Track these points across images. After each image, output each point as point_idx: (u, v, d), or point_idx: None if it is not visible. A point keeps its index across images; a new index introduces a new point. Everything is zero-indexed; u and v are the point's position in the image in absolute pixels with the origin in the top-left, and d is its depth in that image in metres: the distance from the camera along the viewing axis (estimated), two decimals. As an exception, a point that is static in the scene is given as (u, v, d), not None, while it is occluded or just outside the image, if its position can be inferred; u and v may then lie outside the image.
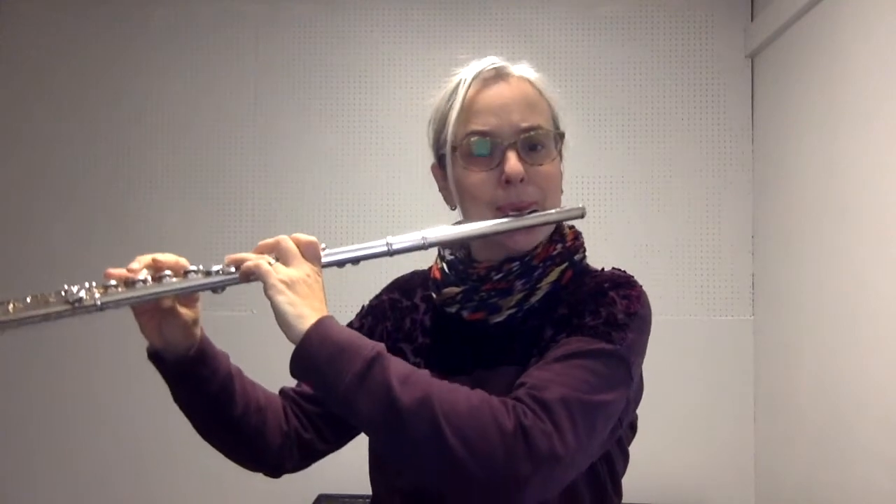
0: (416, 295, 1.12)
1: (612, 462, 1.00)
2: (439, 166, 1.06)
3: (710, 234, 2.50)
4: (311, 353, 0.82)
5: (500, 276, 0.98)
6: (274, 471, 1.07)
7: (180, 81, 2.64)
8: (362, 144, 2.60)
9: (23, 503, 2.60)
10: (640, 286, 0.97)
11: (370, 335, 1.09)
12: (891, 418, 1.66)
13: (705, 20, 2.54)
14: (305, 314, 0.83)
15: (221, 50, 2.64)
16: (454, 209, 1.06)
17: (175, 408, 0.99)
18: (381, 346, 0.84)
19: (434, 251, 1.07)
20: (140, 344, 0.94)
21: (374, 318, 1.13)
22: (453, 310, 1.02)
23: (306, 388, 1.08)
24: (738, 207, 2.50)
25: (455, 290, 1.01)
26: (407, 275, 1.18)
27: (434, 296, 1.05)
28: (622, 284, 0.96)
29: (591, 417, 0.86)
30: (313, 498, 2.33)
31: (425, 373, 0.84)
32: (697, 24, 2.55)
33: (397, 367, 0.82)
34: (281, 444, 1.03)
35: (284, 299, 0.84)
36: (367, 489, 1.11)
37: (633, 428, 1.03)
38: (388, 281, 1.19)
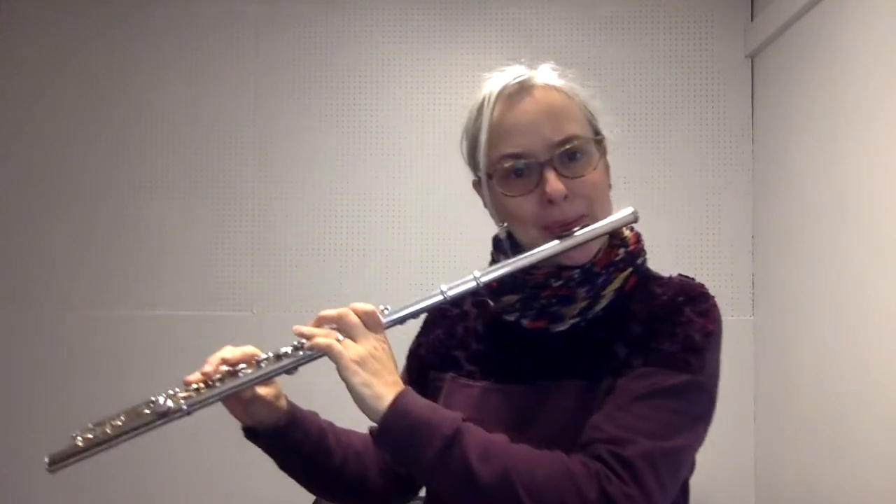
0: (465, 302, 1.09)
1: None
2: (479, 184, 1.01)
3: (710, 234, 2.50)
4: (393, 433, 0.83)
5: (559, 282, 0.94)
6: None
7: (180, 81, 2.64)
8: (362, 144, 2.60)
9: (23, 503, 2.60)
10: (713, 297, 0.94)
11: (426, 351, 1.11)
12: (891, 418, 1.66)
13: (705, 20, 2.54)
14: (382, 393, 0.84)
15: (221, 50, 2.64)
16: (501, 226, 1.02)
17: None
18: (459, 420, 0.83)
19: (486, 254, 1.05)
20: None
21: (426, 334, 1.13)
22: (512, 318, 0.98)
23: None
24: (738, 207, 2.50)
25: (514, 297, 0.97)
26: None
27: (491, 303, 1.02)
28: (696, 298, 0.92)
29: (677, 464, 0.86)
30: (313, 498, 2.33)
31: (503, 441, 0.83)
32: (697, 24, 2.55)
33: (476, 440, 0.82)
34: (384, 483, 1.07)
35: (360, 380, 0.84)
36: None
37: (691, 465, 0.98)
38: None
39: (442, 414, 0.84)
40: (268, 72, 2.63)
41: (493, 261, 1.03)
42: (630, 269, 0.97)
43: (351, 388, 0.84)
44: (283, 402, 0.99)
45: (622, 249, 0.97)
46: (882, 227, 1.71)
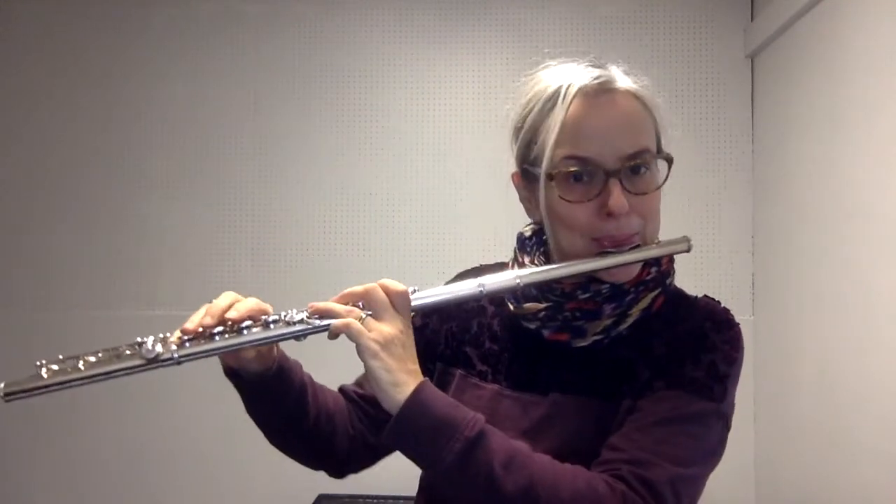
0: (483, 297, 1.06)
1: None
2: (523, 178, 0.96)
3: (710, 234, 2.50)
4: (410, 426, 0.79)
5: (587, 295, 0.90)
6: (339, 473, 1.07)
7: (180, 81, 2.64)
8: (362, 144, 2.60)
9: (23, 503, 2.60)
10: (738, 324, 0.92)
11: (434, 336, 1.06)
12: (891, 418, 1.66)
13: (705, 20, 2.55)
14: (402, 381, 0.79)
15: (221, 50, 2.64)
16: (536, 223, 0.99)
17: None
18: (482, 421, 0.79)
19: (508, 247, 1.02)
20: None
21: (439, 317, 1.07)
22: (532, 326, 0.94)
23: (370, 391, 1.03)
24: (738, 207, 2.50)
25: (538, 305, 0.93)
26: (471, 271, 1.09)
27: (511, 307, 0.97)
28: (723, 325, 0.90)
29: (694, 492, 0.84)
30: (313, 498, 2.33)
31: (526, 449, 0.80)
32: (697, 24, 2.55)
33: (499, 446, 0.78)
34: (348, 447, 1.03)
35: (380, 365, 0.79)
36: (366, 489, 1.11)
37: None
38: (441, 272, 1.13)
39: (464, 412, 0.80)
40: (268, 72, 2.63)
41: (516, 259, 0.99)
42: (659, 290, 0.94)
43: (369, 371, 0.80)
44: (275, 351, 0.94)
45: (654, 269, 0.93)
46: (882, 227, 1.71)
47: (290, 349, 0.96)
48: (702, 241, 2.49)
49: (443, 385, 0.99)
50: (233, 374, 0.94)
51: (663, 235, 0.96)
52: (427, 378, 0.82)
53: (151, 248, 2.62)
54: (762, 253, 2.44)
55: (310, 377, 1.01)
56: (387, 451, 1.06)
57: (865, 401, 1.76)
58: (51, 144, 2.66)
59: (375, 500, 2.29)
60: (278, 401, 0.94)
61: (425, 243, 2.56)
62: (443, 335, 1.05)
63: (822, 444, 1.97)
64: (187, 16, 2.65)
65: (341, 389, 1.07)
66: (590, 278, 0.91)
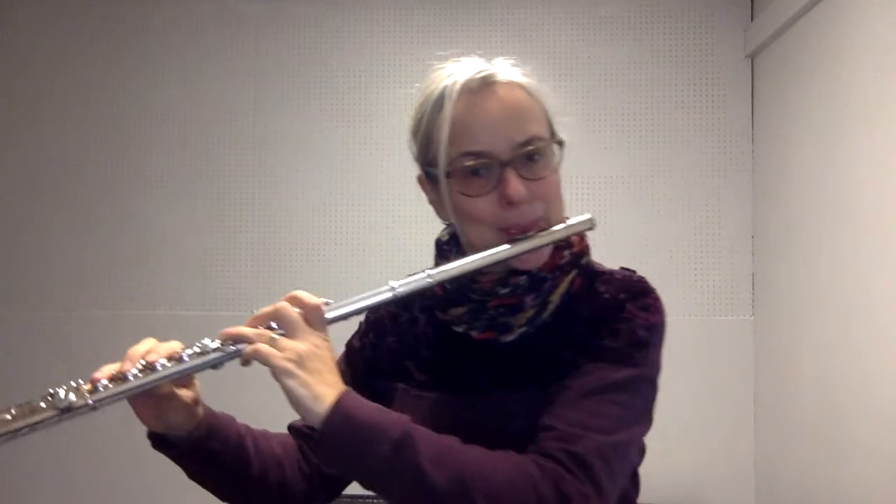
0: (414, 306, 1.05)
1: (627, 497, 0.95)
2: (427, 180, 0.99)
3: (710, 234, 2.50)
4: (335, 437, 0.77)
5: (507, 290, 0.92)
6: None
7: (180, 81, 2.64)
8: (362, 144, 2.60)
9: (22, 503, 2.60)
10: (654, 290, 0.93)
11: (374, 355, 1.05)
12: (891, 418, 1.66)
13: (705, 20, 2.55)
14: (321, 394, 0.78)
15: (221, 50, 2.64)
16: (447, 223, 1.01)
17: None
18: (407, 422, 0.80)
19: (428, 254, 1.03)
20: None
21: (375, 334, 1.07)
22: (461, 329, 0.95)
23: None
24: (738, 207, 2.50)
25: (461, 310, 0.94)
26: None
27: (438, 314, 0.99)
28: (638, 294, 0.92)
29: (626, 455, 0.86)
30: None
31: (455, 442, 0.81)
32: (697, 24, 2.55)
33: (427, 444, 0.78)
34: (305, 487, 1.01)
35: (296, 382, 0.78)
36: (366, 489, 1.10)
37: (641, 451, 0.98)
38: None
39: (388, 416, 0.80)
40: (268, 72, 2.63)
41: (437, 266, 1.00)
42: (575, 271, 0.95)
43: (287, 391, 0.78)
44: (200, 410, 0.91)
45: (567, 251, 0.94)
46: (882, 227, 1.72)
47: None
48: (702, 241, 2.49)
49: (387, 401, 0.95)
50: (161, 443, 0.91)
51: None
52: (349, 388, 0.81)
53: (151, 248, 2.62)
54: (762, 253, 2.44)
55: (247, 427, 0.98)
56: (349, 480, 1.03)
57: (865, 401, 1.77)
58: (51, 144, 2.66)
59: (376, 501, 2.29)
60: (215, 460, 0.92)
61: (425, 243, 2.55)
62: (384, 353, 1.05)
63: (822, 444, 1.97)
64: (187, 16, 2.65)
65: (290, 427, 1.05)
66: (508, 272, 0.92)
